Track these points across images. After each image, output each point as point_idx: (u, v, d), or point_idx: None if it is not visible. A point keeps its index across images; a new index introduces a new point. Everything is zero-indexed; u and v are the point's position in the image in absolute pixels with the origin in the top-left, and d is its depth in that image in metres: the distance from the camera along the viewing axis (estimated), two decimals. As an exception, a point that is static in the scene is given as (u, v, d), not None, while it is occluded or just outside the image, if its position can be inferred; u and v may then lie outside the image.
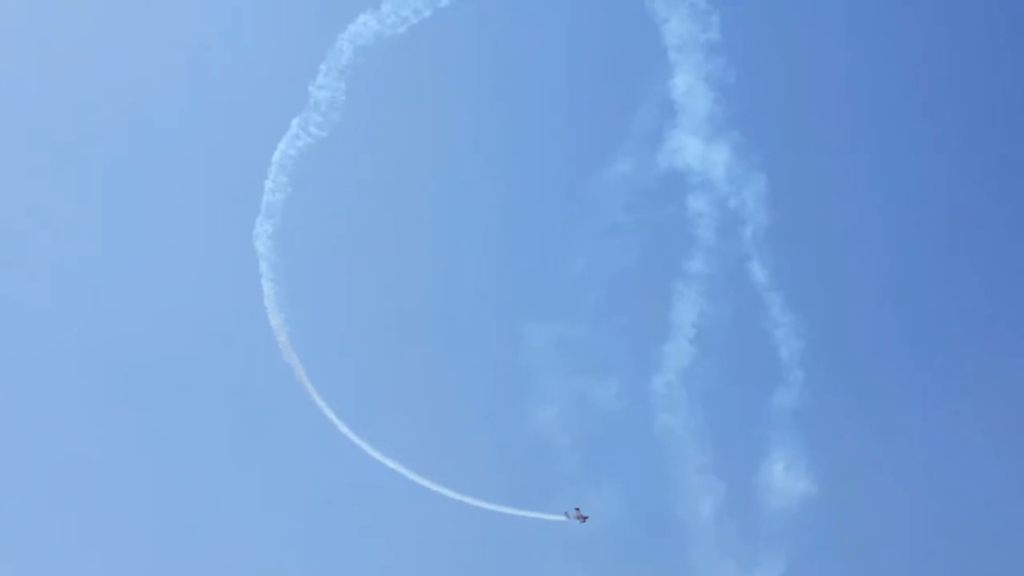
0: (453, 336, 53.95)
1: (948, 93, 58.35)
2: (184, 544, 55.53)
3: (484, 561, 53.85)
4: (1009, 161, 57.81)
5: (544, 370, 50.47)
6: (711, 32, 46.93)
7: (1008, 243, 57.33)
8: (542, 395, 50.47)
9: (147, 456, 56.72)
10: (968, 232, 57.49)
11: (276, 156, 48.85)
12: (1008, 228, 57.46)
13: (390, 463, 49.60)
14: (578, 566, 50.62)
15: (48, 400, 56.99)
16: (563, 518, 49.75)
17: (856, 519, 51.07)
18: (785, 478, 49.64)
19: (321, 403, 49.76)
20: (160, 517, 56.29)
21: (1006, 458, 54.26)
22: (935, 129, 57.94)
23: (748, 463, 49.46)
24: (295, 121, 47.46)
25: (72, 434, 56.81)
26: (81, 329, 57.22)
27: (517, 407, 50.98)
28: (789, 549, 49.18)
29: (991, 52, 57.70)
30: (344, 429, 49.89)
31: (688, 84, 48.27)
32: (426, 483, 49.57)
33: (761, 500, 49.55)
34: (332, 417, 49.80)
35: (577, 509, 49.23)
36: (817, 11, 57.26)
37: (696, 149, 49.84)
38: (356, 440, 49.77)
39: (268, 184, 49.12)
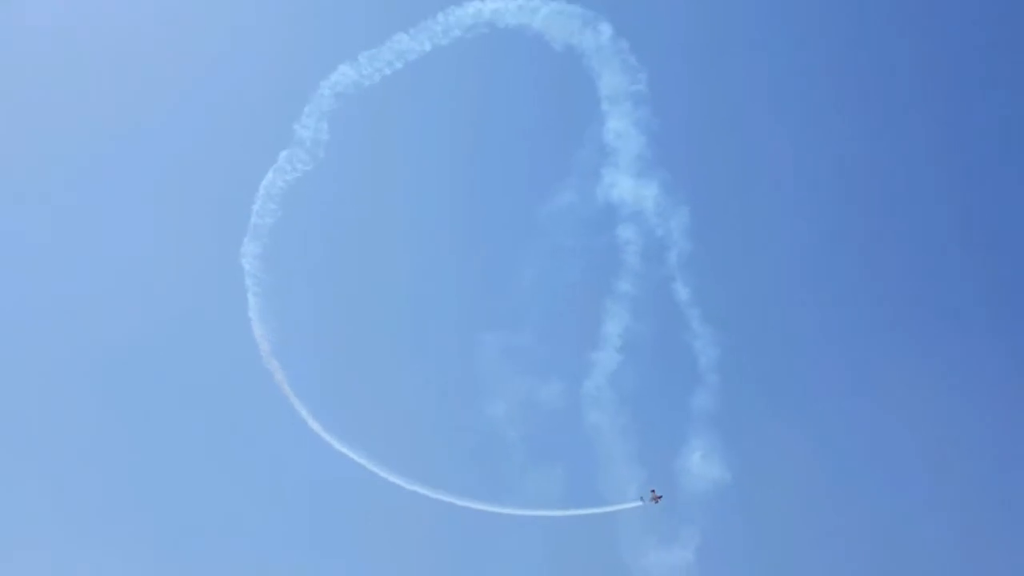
0: (417, 343, 58.29)
1: (844, 134, 64.88)
2: (161, 540, 58.41)
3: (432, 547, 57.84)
4: (897, 182, 64.78)
5: (495, 373, 54.65)
6: (639, 85, 52.09)
7: (900, 254, 63.65)
8: (493, 394, 54.74)
9: (135, 455, 59.32)
10: (853, 247, 64.22)
11: (263, 184, 52.46)
12: (898, 238, 64.13)
13: (361, 458, 52.56)
14: (521, 540, 55.24)
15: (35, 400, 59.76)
16: (640, 503, 52.95)
17: (763, 500, 56.77)
18: (702, 465, 54.38)
19: (302, 409, 52.78)
20: (142, 514, 58.84)
21: (898, 447, 60.21)
22: (828, 163, 64.60)
23: (669, 452, 54.30)
24: (283, 155, 51.46)
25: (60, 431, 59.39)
26: (73, 329, 59.36)
27: (472, 404, 55.41)
28: (704, 526, 54.21)
29: (892, 92, 64.71)
30: (318, 428, 52.81)
31: (620, 129, 53.05)
32: (401, 481, 52.69)
33: (680, 484, 54.25)
34: (309, 419, 52.80)
35: (652, 491, 52.87)
36: (731, 66, 64.04)
37: (628, 185, 54.58)
38: (327, 437, 52.78)
39: (256, 208, 52.84)
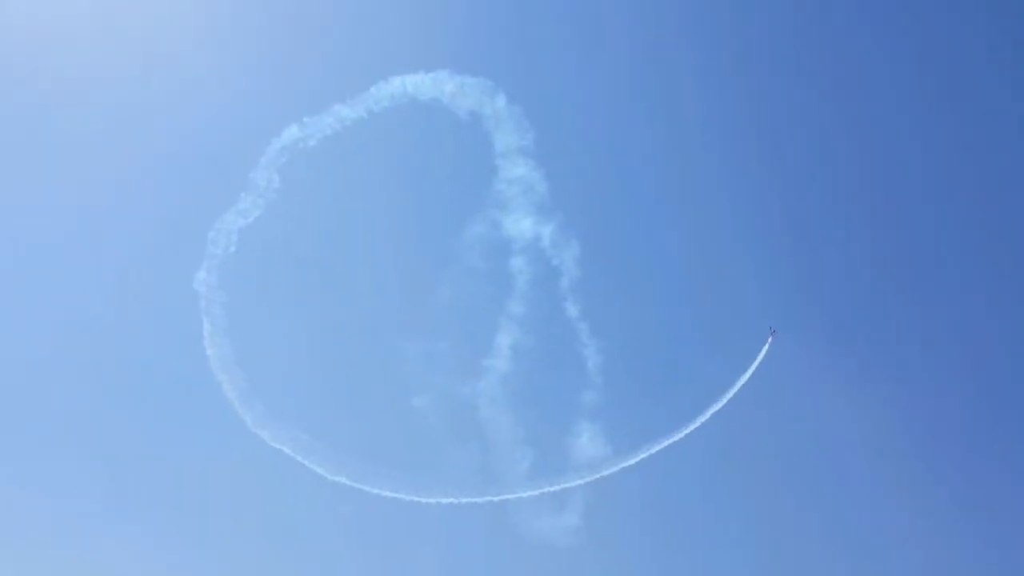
0: (352, 349, 67.23)
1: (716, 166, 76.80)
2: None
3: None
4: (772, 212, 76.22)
5: (416, 373, 64.09)
6: (527, 141, 62.16)
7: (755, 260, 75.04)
8: (416, 389, 64.04)
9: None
10: (715, 268, 75.31)
11: (219, 222, 60.11)
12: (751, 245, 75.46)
13: (294, 452, 58.80)
14: (430, 514, 61.87)
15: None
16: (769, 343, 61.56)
17: (640, 474, 65.06)
18: (588, 446, 63.70)
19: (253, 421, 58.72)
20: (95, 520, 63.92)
21: (756, 433, 70.58)
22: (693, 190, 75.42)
23: (560, 436, 63.91)
24: (242, 195, 59.31)
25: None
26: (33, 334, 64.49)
27: (399, 397, 64.31)
28: (588, 496, 63.59)
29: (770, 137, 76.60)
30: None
31: (515, 177, 62.88)
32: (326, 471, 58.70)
33: (568, 462, 63.03)
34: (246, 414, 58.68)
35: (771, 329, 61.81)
36: (615, 120, 75.22)
37: (528, 223, 64.27)
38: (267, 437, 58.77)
39: (210, 235, 60.28)
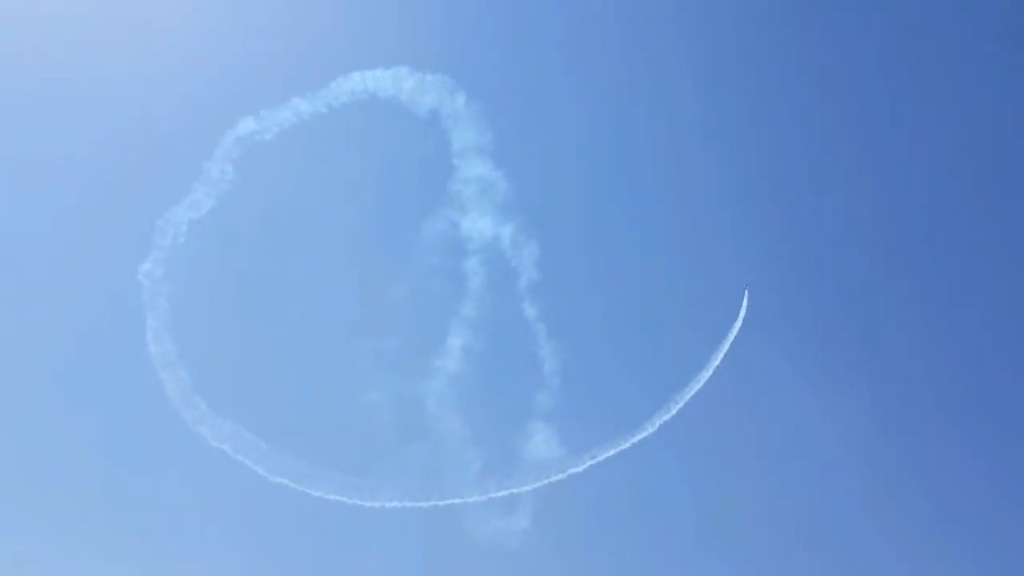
0: (304, 348, 66.54)
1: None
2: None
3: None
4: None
5: (368, 370, 63.96)
6: (486, 140, 62.70)
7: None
8: (367, 387, 64.04)
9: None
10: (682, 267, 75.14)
11: (169, 213, 59.78)
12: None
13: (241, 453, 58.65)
14: (376, 517, 61.59)
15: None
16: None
17: (593, 478, 65.15)
18: (542, 447, 63.83)
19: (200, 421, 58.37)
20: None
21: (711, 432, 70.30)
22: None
23: (513, 437, 63.95)
24: (195, 185, 59.43)
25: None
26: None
27: (352, 395, 64.22)
28: (539, 498, 63.39)
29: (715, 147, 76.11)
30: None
31: (478, 176, 63.36)
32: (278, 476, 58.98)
33: (521, 463, 63.28)
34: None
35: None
36: (578, 119, 74.70)
37: (487, 224, 64.66)
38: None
39: (159, 226, 59.75)
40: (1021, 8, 76.87)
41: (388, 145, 68.61)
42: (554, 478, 64.10)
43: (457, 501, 62.30)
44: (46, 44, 68.39)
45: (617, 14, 76.42)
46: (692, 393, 66.20)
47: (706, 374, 65.61)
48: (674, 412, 66.17)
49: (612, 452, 65.81)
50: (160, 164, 65.98)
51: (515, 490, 63.75)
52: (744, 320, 66.95)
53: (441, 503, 62.01)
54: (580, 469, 64.67)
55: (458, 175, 64.05)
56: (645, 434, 65.27)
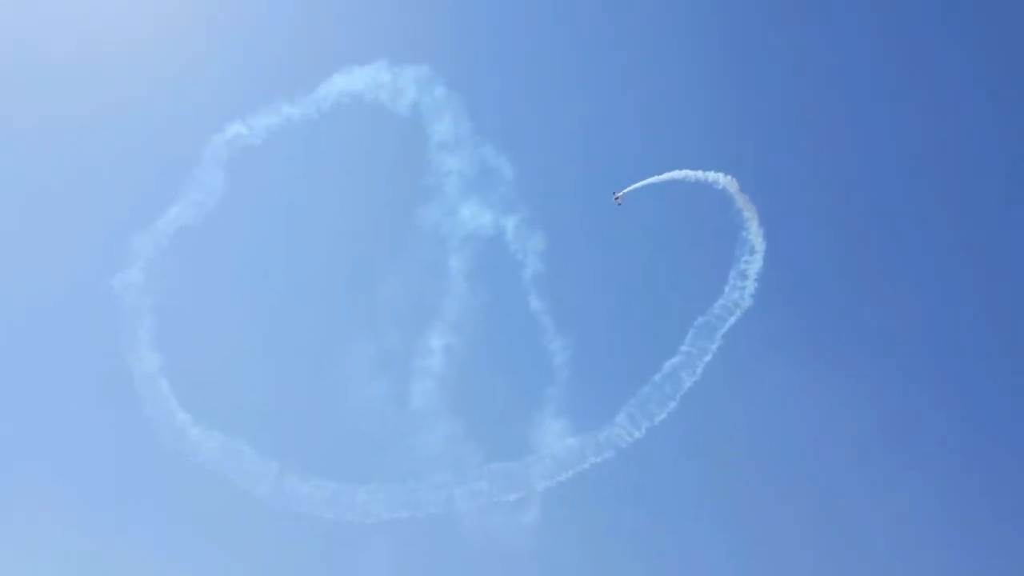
0: (301, 346, 67.20)
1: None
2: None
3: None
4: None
5: (362, 370, 64.06)
6: (466, 132, 62.36)
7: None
8: (360, 384, 64.04)
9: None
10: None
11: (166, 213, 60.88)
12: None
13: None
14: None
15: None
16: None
17: (605, 466, 62.83)
18: (553, 440, 62.37)
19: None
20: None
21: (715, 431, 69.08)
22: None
23: (526, 429, 62.85)
24: (186, 190, 60.17)
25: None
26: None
27: (346, 392, 64.00)
28: (547, 489, 61.63)
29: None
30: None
31: (453, 167, 62.86)
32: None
33: (533, 452, 62.01)
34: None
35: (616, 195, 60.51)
36: (576, 112, 74.73)
37: (491, 217, 64.22)
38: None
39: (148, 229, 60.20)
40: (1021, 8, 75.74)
41: (374, 141, 68.94)
42: (559, 478, 62.72)
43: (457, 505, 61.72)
44: (39, 48, 69.62)
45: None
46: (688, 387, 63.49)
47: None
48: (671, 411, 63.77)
49: (612, 453, 63.81)
50: (150, 169, 67.64)
51: (519, 493, 62.58)
52: (746, 314, 64.14)
53: (440, 510, 61.55)
54: (580, 470, 63.08)
55: (443, 165, 63.75)
56: (640, 435, 63.24)
